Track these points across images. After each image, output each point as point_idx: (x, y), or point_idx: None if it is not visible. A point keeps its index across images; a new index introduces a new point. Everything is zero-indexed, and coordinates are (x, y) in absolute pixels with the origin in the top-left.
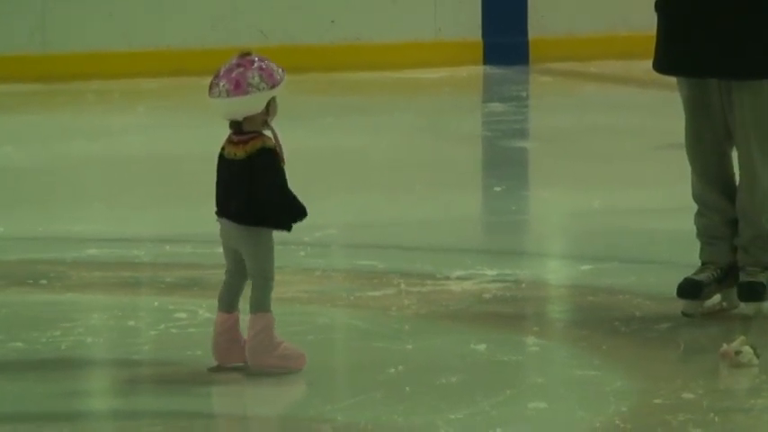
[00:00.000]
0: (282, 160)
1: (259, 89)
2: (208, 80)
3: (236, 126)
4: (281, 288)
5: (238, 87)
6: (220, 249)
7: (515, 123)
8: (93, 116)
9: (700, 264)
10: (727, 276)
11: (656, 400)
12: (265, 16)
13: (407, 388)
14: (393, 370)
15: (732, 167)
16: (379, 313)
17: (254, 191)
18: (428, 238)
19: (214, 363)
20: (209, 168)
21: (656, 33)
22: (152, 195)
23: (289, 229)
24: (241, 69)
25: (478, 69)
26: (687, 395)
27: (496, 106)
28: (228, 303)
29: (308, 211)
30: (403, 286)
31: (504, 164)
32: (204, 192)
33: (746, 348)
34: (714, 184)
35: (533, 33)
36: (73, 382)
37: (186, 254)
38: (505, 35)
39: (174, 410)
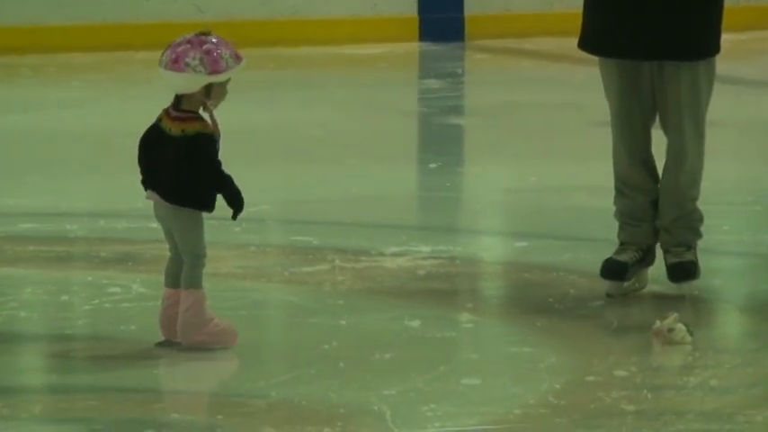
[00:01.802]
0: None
1: (195, 71)
2: (142, 55)
3: (176, 100)
4: (216, 263)
5: (175, 63)
6: (155, 224)
7: (451, 100)
8: (28, 90)
9: (618, 243)
10: (644, 258)
11: (590, 377)
12: None
13: (341, 364)
14: (327, 346)
15: (652, 148)
16: (313, 289)
17: (186, 172)
18: (363, 214)
19: (159, 336)
20: None
21: (583, 11)
22: (86, 170)
23: (211, 209)
24: (187, 47)
25: (415, 45)
26: (620, 372)
27: (432, 82)
28: (172, 278)
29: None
30: (337, 262)
31: (440, 140)
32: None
33: (679, 326)
34: (641, 164)
35: (469, 10)
36: (6, 356)
37: (120, 229)
38: (442, 11)
39: (109, 385)
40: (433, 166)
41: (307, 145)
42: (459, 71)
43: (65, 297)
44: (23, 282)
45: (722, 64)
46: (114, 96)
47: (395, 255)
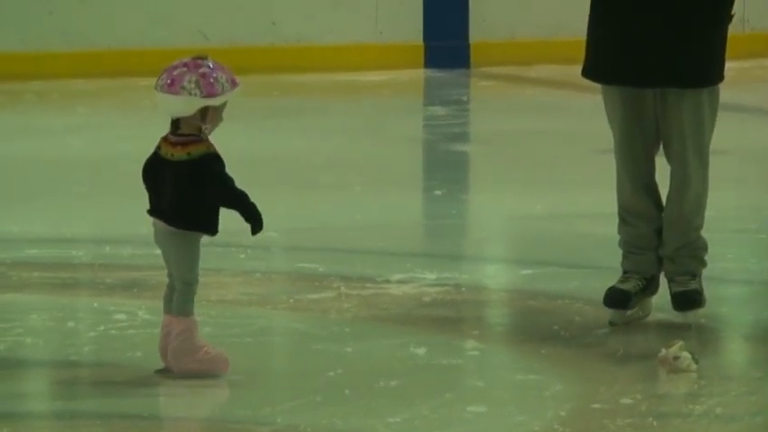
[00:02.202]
0: None
1: (190, 94)
2: (146, 81)
3: (174, 125)
4: (222, 290)
5: (171, 86)
6: (158, 251)
7: (456, 127)
8: (32, 116)
9: (622, 272)
10: (648, 286)
11: (595, 405)
12: (206, 17)
13: (347, 391)
14: (332, 373)
15: (656, 176)
16: (318, 316)
17: (192, 195)
18: (368, 241)
19: (160, 364)
20: None
21: (587, 39)
22: (91, 196)
23: (215, 232)
24: (183, 70)
25: (419, 72)
26: (626, 400)
27: (437, 109)
28: (170, 304)
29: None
30: (343, 289)
31: (445, 167)
32: (142, 193)
33: (685, 354)
34: (645, 193)
35: (474, 37)
36: (11, 382)
37: (126, 255)
38: (447, 39)
39: (114, 412)
40: (438, 193)
41: (311, 172)
42: (464, 98)
43: (70, 323)
44: (29, 308)
45: (726, 92)
46: (118, 123)
47: (400, 282)
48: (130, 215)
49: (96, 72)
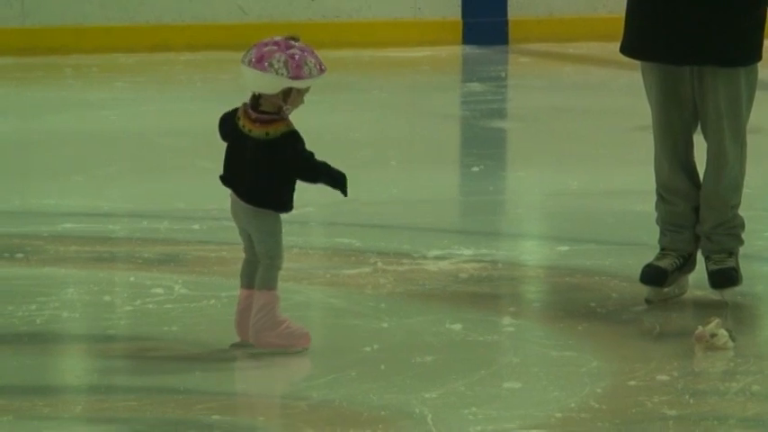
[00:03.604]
0: None
1: (277, 73)
2: (185, 56)
3: (254, 100)
4: None
5: (259, 62)
6: (197, 225)
7: (494, 103)
8: (71, 90)
9: (659, 249)
10: (685, 264)
11: (631, 382)
12: None
13: (382, 366)
14: (368, 348)
15: (694, 154)
16: (355, 291)
17: (268, 174)
18: (405, 217)
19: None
20: (184, 144)
21: (625, 16)
22: (129, 170)
23: (290, 210)
24: (273, 48)
25: (457, 49)
26: (662, 377)
27: (475, 86)
28: (248, 279)
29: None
30: (379, 265)
31: (483, 144)
32: (181, 167)
33: (722, 332)
34: (683, 171)
35: (513, 14)
36: (48, 356)
37: (163, 229)
38: (485, 15)
39: (150, 386)
40: (475, 169)
41: (349, 148)
42: (503, 75)
43: (107, 297)
44: (66, 282)
45: (764, 71)
46: (156, 97)
47: (437, 258)
48: (168, 190)
49: (135, 46)
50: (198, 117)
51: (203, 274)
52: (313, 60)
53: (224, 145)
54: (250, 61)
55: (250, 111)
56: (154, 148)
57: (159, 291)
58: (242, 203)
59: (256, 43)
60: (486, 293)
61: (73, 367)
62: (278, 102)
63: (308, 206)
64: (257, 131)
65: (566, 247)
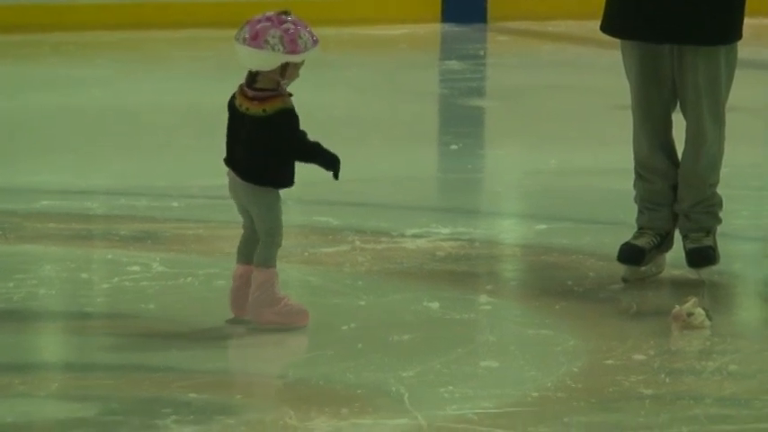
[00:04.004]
0: None
1: (273, 49)
2: (166, 34)
3: (251, 77)
4: (235, 243)
5: (255, 39)
6: (175, 203)
7: (472, 81)
8: (51, 68)
9: (637, 227)
10: (662, 242)
11: (608, 361)
12: None
13: (359, 345)
14: (345, 327)
15: (673, 133)
16: (332, 270)
17: (266, 151)
18: (383, 195)
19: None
20: (164, 121)
21: None
22: (108, 148)
23: (290, 185)
24: (267, 24)
25: (436, 27)
26: (638, 356)
27: (454, 64)
28: (245, 255)
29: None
30: (357, 243)
31: (461, 122)
32: (161, 145)
33: (698, 310)
34: (661, 149)
35: None
36: (24, 334)
37: (141, 207)
38: None
39: (127, 364)
40: (453, 147)
41: (327, 126)
42: (482, 53)
43: (84, 275)
44: (43, 259)
45: (744, 48)
46: (138, 75)
47: (415, 236)
48: (147, 167)
49: (116, 24)
50: (179, 95)
51: (181, 252)
52: (307, 33)
53: (203, 122)
54: (245, 39)
55: (246, 89)
56: (134, 126)
57: (136, 268)
58: (240, 181)
59: (248, 20)
60: (463, 272)
61: (49, 345)
62: (275, 77)
63: None
64: (254, 109)
65: (543, 226)
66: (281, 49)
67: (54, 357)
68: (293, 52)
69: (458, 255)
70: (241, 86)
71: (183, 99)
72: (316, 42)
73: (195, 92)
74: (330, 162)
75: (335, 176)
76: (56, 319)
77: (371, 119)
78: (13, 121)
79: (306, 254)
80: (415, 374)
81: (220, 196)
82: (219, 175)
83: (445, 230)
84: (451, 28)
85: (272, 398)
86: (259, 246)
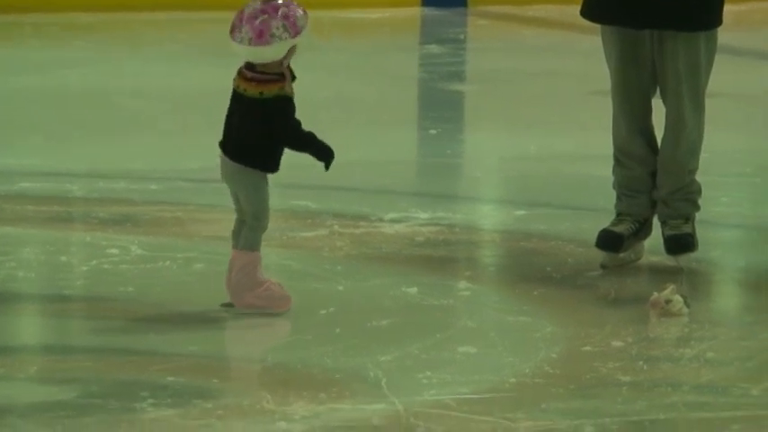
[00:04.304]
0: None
1: (281, 39)
2: (145, 15)
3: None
4: (214, 226)
5: (261, 37)
6: (154, 186)
7: (452, 66)
8: (30, 50)
9: (615, 214)
10: (641, 229)
11: (586, 347)
12: None
13: (338, 329)
14: (324, 311)
15: (652, 119)
16: (311, 254)
17: (258, 133)
18: (362, 179)
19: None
20: (143, 104)
21: None
22: (88, 130)
23: (275, 170)
24: (265, 17)
25: (416, 11)
26: (616, 343)
27: (434, 48)
28: (238, 240)
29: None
30: (336, 227)
31: (441, 106)
32: (138, 127)
33: (677, 297)
34: (640, 135)
35: None
36: (3, 316)
37: (119, 189)
38: None
39: (105, 347)
40: (433, 132)
41: (307, 109)
42: (461, 37)
43: (63, 257)
44: (22, 241)
45: (723, 35)
46: (116, 57)
47: (393, 221)
48: (125, 150)
49: (96, 6)
50: (158, 78)
51: (160, 235)
52: (296, 9)
53: (182, 104)
54: (251, 40)
55: (245, 71)
56: (113, 109)
57: (115, 251)
58: (230, 162)
59: (241, 18)
60: (442, 257)
61: (28, 327)
62: (279, 61)
63: None
64: (251, 90)
65: (522, 212)
66: (288, 36)
67: (33, 340)
68: (298, 33)
69: (436, 240)
70: (241, 68)
71: (162, 82)
72: (306, 13)
73: (173, 75)
74: (323, 152)
75: (326, 168)
76: (35, 302)
77: (351, 102)
78: None
79: (284, 238)
80: (393, 359)
81: (199, 179)
82: (198, 158)
83: (424, 215)
84: (432, 12)
85: (249, 382)
86: (244, 229)
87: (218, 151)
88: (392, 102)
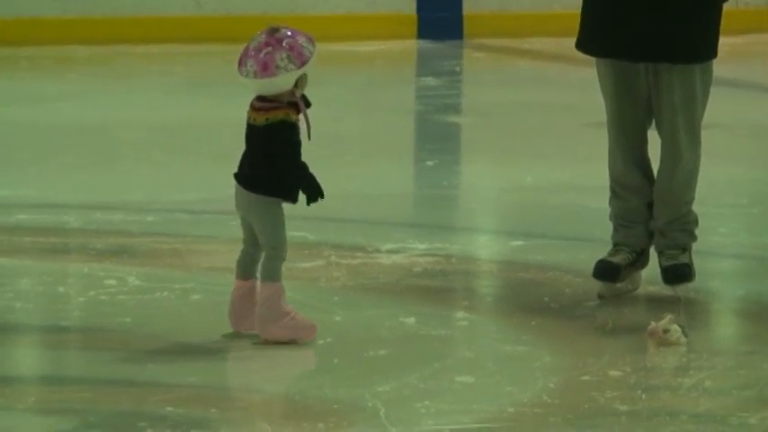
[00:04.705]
0: (307, 131)
1: (287, 70)
2: (140, 49)
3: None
4: (212, 257)
5: (266, 69)
6: (150, 217)
7: (448, 98)
8: (26, 82)
9: (612, 244)
10: (638, 259)
11: (584, 377)
12: None
13: (335, 360)
14: (322, 341)
15: (648, 150)
16: (308, 284)
17: (268, 160)
18: (359, 210)
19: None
20: (139, 136)
21: (581, 12)
22: (84, 162)
23: (294, 200)
24: (269, 49)
25: (412, 43)
26: (614, 372)
27: (430, 80)
28: (243, 270)
29: (323, 192)
30: (333, 258)
31: (437, 138)
32: (134, 159)
33: (674, 327)
34: (636, 166)
35: (468, 8)
36: (2, 347)
37: (116, 221)
38: (440, 9)
39: (103, 378)
40: (429, 163)
41: (304, 141)
42: (457, 69)
43: (61, 288)
44: (19, 272)
45: (720, 66)
46: (112, 89)
47: (391, 251)
48: (122, 181)
49: (89, 39)
50: (153, 109)
51: (157, 266)
52: (303, 39)
53: (178, 136)
54: (256, 73)
55: (255, 101)
56: (109, 140)
57: (112, 282)
58: (243, 192)
59: (246, 53)
60: (439, 287)
61: (26, 358)
62: (290, 91)
63: None
64: (259, 119)
65: (519, 242)
66: (294, 66)
67: (31, 371)
68: (304, 63)
69: (434, 270)
70: (252, 100)
71: (157, 114)
72: (312, 42)
73: (168, 106)
74: (311, 190)
75: (308, 203)
76: (32, 333)
77: (348, 135)
78: None
79: (282, 269)
80: (392, 389)
81: (196, 211)
82: (195, 190)
83: (421, 246)
84: (427, 44)
85: (248, 412)
86: (263, 259)
87: (218, 182)
88: (389, 134)
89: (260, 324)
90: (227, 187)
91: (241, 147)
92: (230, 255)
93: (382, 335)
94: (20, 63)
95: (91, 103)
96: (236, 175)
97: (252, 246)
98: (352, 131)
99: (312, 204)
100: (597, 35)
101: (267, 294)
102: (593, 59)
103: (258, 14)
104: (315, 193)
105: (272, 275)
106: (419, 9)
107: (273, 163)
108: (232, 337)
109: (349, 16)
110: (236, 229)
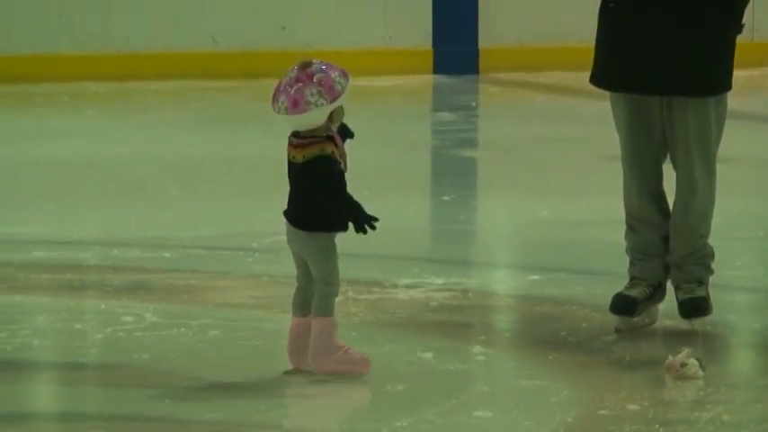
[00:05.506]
0: (342, 163)
1: (317, 105)
2: (156, 85)
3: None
4: (229, 293)
5: (296, 106)
6: (167, 254)
7: (464, 133)
8: (42, 118)
9: (629, 278)
10: (655, 293)
11: (602, 411)
12: (216, 22)
13: (353, 395)
14: (340, 377)
15: (663, 183)
16: None
17: (311, 196)
18: (376, 245)
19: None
20: (154, 172)
21: (595, 46)
22: (100, 198)
23: (345, 228)
24: (299, 85)
25: (428, 78)
26: (632, 406)
27: (446, 115)
28: (300, 307)
29: (372, 220)
30: (350, 293)
31: (453, 173)
32: (150, 195)
33: (692, 361)
34: (652, 200)
35: (483, 43)
36: (18, 384)
37: (133, 257)
38: (456, 44)
39: (121, 414)
40: (446, 198)
41: None
42: (473, 104)
43: (78, 325)
44: (36, 310)
45: (734, 100)
46: (128, 126)
47: (408, 286)
48: (138, 218)
49: (106, 75)
50: (169, 145)
51: (174, 303)
52: (336, 73)
53: (193, 172)
54: (287, 109)
55: (292, 138)
56: (125, 176)
57: (130, 319)
58: (293, 229)
59: (279, 88)
60: (456, 322)
61: (43, 395)
62: (325, 125)
63: (277, 235)
64: (298, 156)
65: (536, 277)
66: (325, 102)
67: (48, 408)
68: (335, 99)
69: (451, 305)
70: (289, 136)
71: (172, 149)
72: (346, 76)
73: (184, 142)
74: (357, 219)
75: (357, 231)
76: (50, 370)
77: (364, 169)
78: (3, 172)
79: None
80: (409, 424)
81: (212, 246)
82: (211, 226)
83: (438, 281)
84: (443, 79)
85: None
86: (315, 295)
87: (234, 217)
88: (405, 168)
89: (313, 359)
90: (243, 223)
91: (257, 182)
92: (247, 290)
93: (400, 370)
94: (36, 99)
95: (107, 138)
96: (286, 213)
97: (306, 282)
98: (368, 166)
99: (361, 234)
100: (611, 69)
101: (319, 329)
102: (607, 93)
103: (274, 50)
104: (362, 222)
105: (324, 310)
106: (435, 44)
107: (316, 198)
108: (253, 374)
109: (365, 51)
110: (253, 264)
